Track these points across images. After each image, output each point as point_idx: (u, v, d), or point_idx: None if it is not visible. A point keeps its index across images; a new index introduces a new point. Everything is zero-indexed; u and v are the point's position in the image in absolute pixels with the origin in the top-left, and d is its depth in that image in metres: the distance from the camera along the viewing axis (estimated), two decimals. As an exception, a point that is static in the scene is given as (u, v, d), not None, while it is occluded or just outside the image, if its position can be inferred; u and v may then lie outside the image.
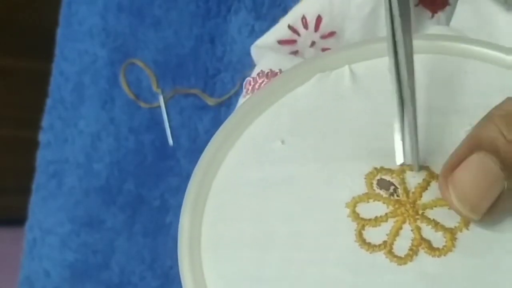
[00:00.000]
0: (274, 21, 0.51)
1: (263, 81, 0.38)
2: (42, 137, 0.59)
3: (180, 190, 0.53)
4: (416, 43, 0.29)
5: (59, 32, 0.59)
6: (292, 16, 0.41)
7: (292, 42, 0.41)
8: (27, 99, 0.78)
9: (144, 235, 0.54)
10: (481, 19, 0.36)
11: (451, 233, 0.27)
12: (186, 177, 0.53)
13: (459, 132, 0.29)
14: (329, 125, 0.31)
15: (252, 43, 0.51)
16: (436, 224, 0.27)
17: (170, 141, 0.54)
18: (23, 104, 0.88)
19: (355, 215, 0.28)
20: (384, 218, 0.28)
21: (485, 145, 0.26)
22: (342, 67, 0.33)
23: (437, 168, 0.28)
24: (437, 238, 0.27)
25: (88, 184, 0.56)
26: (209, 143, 0.31)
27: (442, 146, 0.29)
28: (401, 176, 0.28)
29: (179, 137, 0.54)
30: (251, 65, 0.51)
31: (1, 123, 0.96)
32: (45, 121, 0.59)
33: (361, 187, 0.28)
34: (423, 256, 0.26)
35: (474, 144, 0.27)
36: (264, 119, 0.32)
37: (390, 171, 0.29)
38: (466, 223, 0.27)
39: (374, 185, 0.28)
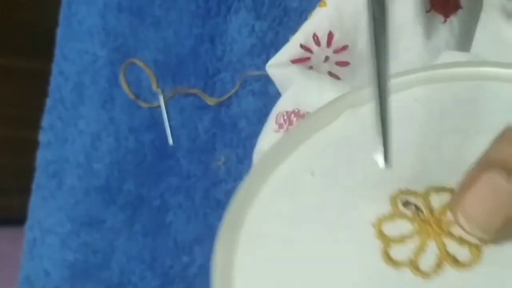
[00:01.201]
0: (274, 21, 0.51)
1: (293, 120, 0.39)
2: (42, 137, 0.59)
3: (180, 189, 0.53)
4: (441, 72, 0.31)
5: (59, 32, 0.59)
6: (303, 35, 0.41)
7: (306, 59, 0.41)
8: (27, 99, 0.78)
9: (144, 235, 0.54)
10: (502, 45, 0.36)
11: (476, 247, 0.27)
12: (186, 177, 0.53)
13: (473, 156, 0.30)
14: (356, 154, 0.31)
15: (252, 42, 0.51)
16: (461, 240, 0.27)
17: (170, 141, 0.54)
18: (23, 104, 0.88)
19: (381, 234, 0.28)
20: (410, 236, 0.28)
21: (496, 163, 0.26)
22: (369, 102, 0.33)
23: None
24: (462, 253, 0.27)
25: (88, 184, 0.56)
26: (245, 178, 0.32)
27: (467, 166, 0.29)
28: (426, 199, 0.29)
29: (179, 137, 0.54)
30: (251, 64, 0.51)
31: (1, 123, 0.96)
32: (45, 121, 0.59)
33: (386, 207, 0.29)
34: (448, 270, 0.27)
35: (486, 163, 0.27)
36: (297, 155, 0.33)
37: (415, 193, 0.29)
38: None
39: (400, 205, 0.29)
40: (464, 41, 0.39)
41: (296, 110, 0.39)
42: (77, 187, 0.57)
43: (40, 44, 0.67)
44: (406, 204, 0.29)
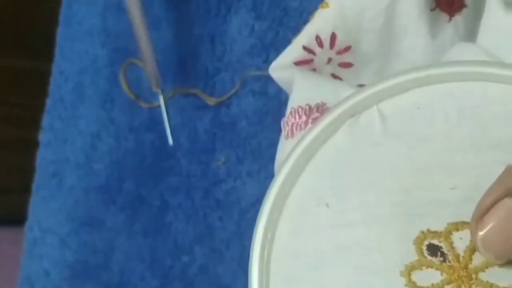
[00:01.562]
0: (274, 21, 0.51)
1: (302, 120, 0.37)
2: (42, 137, 0.59)
3: (180, 190, 0.53)
4: (442, 72, 0.29)
5: (59, 32, 0.59)
6: (306, 37, 0.40)
7: (309, 61, 0.41)
8: (27, 99, 0.78)
9: (144, 235, 0.54)
10: (504, 36, 0.34)
11: None
12: (186, 177, 0.53)
13: (498, 172, 0.28)
14: (368, 179, 0.30)
15: (252, 42, 0.51)
16: (490, 286, 0.27)
17: (170, 141, 0.54)
18: (23, 104, 0.88)
19: (413, 284, 0.28)
20: (440, 285, 0.28)
21: None
22: (370, 108, 0.32)
23: None
24: None
25: (88, 184, 0.56)
26: (260, 214, 0.31)
27: (482, 191, 0.28)
28: (448, 240, 0.28)
29: (179, 136, 0.54)
30: (251, 64, 0.51)
31: (1, 123, 0.96)
32: (45, 121, 0.59)
33: (411, 253, 0.28)
34: None
35: (506, 187, 0.26)
36: (305, 181, 0.31)
37: (437, 234, 0.28)
38: None
39: (425, 251, 0.28)
40: (469, 41, 0.39)
41: (299, 108, 0.38)
42: (77, 187, 0.57)
43: (40, 44, 0.67)
44: (430, 247, 0.28)
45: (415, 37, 0.39)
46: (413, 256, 0.28)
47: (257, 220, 0.31)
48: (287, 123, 0.37)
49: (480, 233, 0.26)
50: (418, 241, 0.29)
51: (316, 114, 0.36)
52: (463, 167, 0.29)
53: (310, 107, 0.37)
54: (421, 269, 0.28)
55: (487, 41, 0.34)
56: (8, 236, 0.78)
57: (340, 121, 0.32)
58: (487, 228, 0.26)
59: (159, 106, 0.54)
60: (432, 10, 0.40)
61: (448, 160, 0.30)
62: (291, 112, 0.37)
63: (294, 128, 0.37)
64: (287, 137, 0.37)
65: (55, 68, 0.59)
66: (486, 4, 0.35)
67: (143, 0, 0.55)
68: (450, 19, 0.39)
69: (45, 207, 0.58)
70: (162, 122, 0.54)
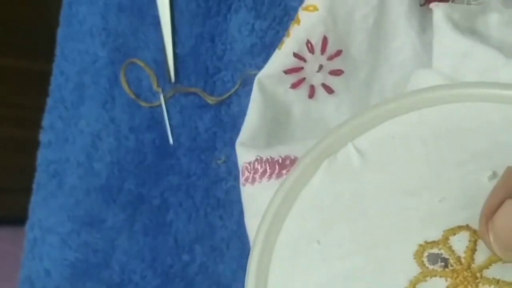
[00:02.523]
0: (274, 20, 0.51)
1: (265, 170, 0.37)
2: (43, 136, 0.59)
3: (180, 189, 0.53)
4: (416, 98, 0.30)
5: (60, 32, 0.59)
6: (297, 43, 0.40)
7: (299, 69, 0.40)
8: (27, 99, 0.78)
9: (145, 234, 0.54)
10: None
11: None
12: (186, 176, 0.53)
13: (482, 179, 0.29)
14: (355, 210, 0.31)
15: (252, 42, 0.52)
16: (497, 282, 0.27)
17: (171, 140, 0.54)
18: (23, 104, 0.88)
19: None
20: None
21: None
22: (345, 146, 0.33)
23: (475, 223, 0.28)
24: None
25: (88, 183, 0.56)
26: (250, 259, 0.31)
27: (470, 198, 0.29)
28: (447, 245, 0.29)
29: (180, 136, 0.54)
30: (251, 64, 0.52)
31: (1, 123, 0.96)
32: (45, 121, 0.59)
33: (413, 268, 0.28)
34: None
35: (508, 188, 0.26)
36: (292, 222, 0.31)
37: (435, 243, 0.29)
38: None
39: (425, 262, 0.28)
40: None
41: (259, 159, 0.38)
42: (78, 186, 0.57)
43: (40, 44, 0.67)
44: (430, 257, 0.29)
45: (405, 33, 0.39)
46: (416, 270, 0.28)
47: (246, 273, 0.30)
48: (248, 169, 0.37)
49: (494, 235, 0.26)
50: (418, 254, 0.29)
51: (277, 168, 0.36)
52: (447, 181, 0.30)
53: (272, 160, 0.37)
54: (426, 281, 0.28)
55: (443, 65, 0.35)
56: (8, 236, 0.79)
57: (317, 163, 0.32)
58: (500, 228, 0.26)
59: (160, 105, 0.54)
60: (421, 5, 0.40)
61: (432, 178, 0.30)
62: (257, 160, 0.37)
63: (256, 176, 0.37)
64: (245, 183, 0.37)
65: (55, 68, 0.59)
66: (434, 28, 0.35)
67: (143, 1, 0.56)
68: None
69: (45, 206, 0.58)
70: (162, 122, 0.54)
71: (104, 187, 0.56)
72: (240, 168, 0.38)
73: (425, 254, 0.29)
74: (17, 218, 0.64)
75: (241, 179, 0.38)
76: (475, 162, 0.30)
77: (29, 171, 0.59)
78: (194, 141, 0.53)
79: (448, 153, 0.31)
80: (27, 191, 0.59)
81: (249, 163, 0.37)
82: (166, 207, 0.54)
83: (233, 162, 0.52)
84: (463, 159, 0.30)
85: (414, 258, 0.29)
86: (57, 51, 0.59)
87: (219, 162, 0.52)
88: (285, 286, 0.30)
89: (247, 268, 0.31)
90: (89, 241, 0.56)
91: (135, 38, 0.56)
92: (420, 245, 0.29)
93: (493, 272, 0.27)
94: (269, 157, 0.37)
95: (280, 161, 0.37)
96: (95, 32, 0.57)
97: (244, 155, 0.38)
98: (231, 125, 0.52)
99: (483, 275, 0.27)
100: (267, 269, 0.30)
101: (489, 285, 0.27)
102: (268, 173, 0.36)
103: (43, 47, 0.62)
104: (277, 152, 0.37)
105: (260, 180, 0.37)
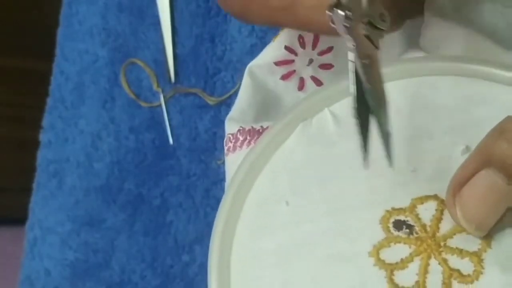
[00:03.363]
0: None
1: (245, 138, 0.37)
2: (43, 136, 0.59)
3: (180, 189, 0.53)
4: (395, 68, 0.30)
5: (60, 32, 0.59)
6: (289, 36, 0.40)
7: (290, 62, 0.41)
8: (27, 99, 0.78)
9: (145, 234, 0.54)
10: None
11: (477, 256, 0.27)
12: (186, 176, 0.53)
13: (455, 153, 0.29)
14: (326, 175, 0.31)
15: (252, 42, 0.52)
16: (460, 252, 0.27)
17: (171, 140, 0.54)
18: (23, 104, 0.88)
19: (381, 262, 0.28)
20: (410, 258, 0.28)
21: (495, 161, 0.26)
22: (321, 111, 0.33)
23: (444, 194, 0.28)
24: (465, 265, 0.27)
25: (88, 183, 0.56)
26: (216, 219, 0.31)
27: (442, 171, 0.29)
28: (414, 213, 0.29)
29: (180, 136, 0.54)
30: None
31: (1, 123, 0.96)
32: (45, 121, 0.59)
33: (378, 233, 0.28)
34: (457, 286, 0.27)
35: (483, 159, 0.27)
36: (262, 182, 0.31)
37: (402, 210, 0.29)
38: (488, 242, 0.27)
39: (391, 228, 0.29)
40: None
41: (241, 129, 0.38)
42: (78, 186, 0.57)
43: (40, 44, 0.67)
44: (396, 223, 0.29)
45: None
46: (381, 236, 0.28)
47: (213, 226, 0.30)
48: (230, 140, 0.37)
49: (460, 207, 0.27)
50: (384, 220, 0.29)
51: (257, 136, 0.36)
52: (420, 152, 0.30)
53: (254, 129, 0.37)
54: (389, 246, 0.28)
55: (429, 47, 0.35)
56: (8, 236, 0.79)
57: (292, 125, 0.32)
58: (467, 201, 0.27)
59: (160, 105, 0.54)
60: None
61: (405, 148, 0.30)
62: (239, 130, 0.37)
63: (237, 145, 0.37)
64: (227, 153, 0.37)
65: (55, 68, 0.59)
66: (426, 14, 0.35)
67: (143, 1, 0.56)
68: None
69: (45, 206, 0.58)
70: (162, 122, 0.54)
71: (104, 187, 0.56)
72: (224, 140, 0.39)
73: (391, 220, 0.29)
74: (17, 218, 0.64)
75: (225, 151, 0.38)
76: (449, 136, 0.30)
77: (29, 171, 0.59)
78: (194, 141, 0.53)
79: (422, 125, 0.31)
80: (27, 191, 0.59)
81: (232, 134, 0.38)
82: (166, 207, 0.54)
83: (233, 162, 0.52)
84: (437, 131, 0.30)
85: (380, 224, 0.29)
86: (57, 51, 0.59)
87: (219, 162, 0.52)
88: (251, 245, 0.30)
89: (214, 223, 0.30)
90: (89, 241, 0.56)
91: (135, 38, 0.56)
92: (387, 211, 0.29)
93: (456, 241, 0.27)
94: (251, 127, 0.37)
95: (260, 130, 0.37)
96: (95, 32, 0.57)
97: (230, 127, 0.38)
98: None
99: (447, 244, 0.28)
100: (234, 227, 0.30)
101: (452, 254, 0.27)
102: (247, 140, 0.37)
103: (43, 47, 0.62)
104: (260, 124, 0.37)
105: (240, 148, 0.37)
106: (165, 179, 0.54)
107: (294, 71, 0.41)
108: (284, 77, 0.41)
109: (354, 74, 0.29)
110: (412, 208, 0.29)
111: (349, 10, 0.27)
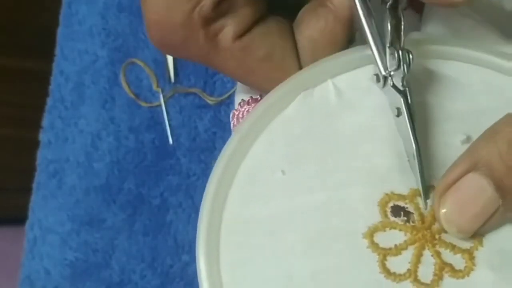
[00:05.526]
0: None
1: (246, 109, 0.37)
2: (43, 136, 0.59)
3: (180, 189, 0.53)
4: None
5: (59, 32, 0.59)
6: None
7: None
8: (27, 99, 0.78)
9: (144, 234, 0.54)
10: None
11: (469, 253, 0.27)
12: (186, 176, 0.53)
13: (455, 142, 0.29)
14: (325, 148, 0.30)
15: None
16: (453, 247, 0.27)
17: (170, 140, 0.54)
18: (23, 104, 0.88)
19: (375, 246, 0.28)
20: (404, 245, 0.28)
21: (482, 164, 0.26)
22: (324, 82, 0.31)
23: None
24: (457, 260, 0.27)
25: (88, 183, 0.56)
26: (208, 184, 0.30)
27: (441, 159, 0.29)
28: (414, 202, 0.28)
29: (179, 136, 0.54)
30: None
31: (1, 123, 0.96)
32: (45, 121, 0.59)
33: (374, 215, 0.28)
34: (448, 279, 0.27)
35: (472, 161, 0.26)
36: (258, 149, 0.30)
37: (402, 196, 0.28)
38: (480, 240, 0.27)
39: (388, 212, 0.28)
40: None
41: (242, 102, 0.37)
42: (78, 186, 0.57)
43: (40, 44, 0.67)
44: (395, 208, 0.28)
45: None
46: (377, 218, 0.28)
47: (205, 190, 0.30)
48: (234, 114, 0.37)
49: (443, 210, 0.27)
50: (383, 203, 0.28)
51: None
52: (419, 137, 0.29)
53: (253, 98, 0.36)
54: (384, 231, 0.28)
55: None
56: (8, 235, 0.79)
57: (293, 94, 0.31)
58: (450, 205, 0.26)
59: (159, 105, 0.54)
60: (404, 9, 0.39)
61: (406, 131, 0.29)
62: (240, 103, 0.36)
63: (242, 116, 0.36)
64: (234, 128, 0.37)
65: (55, 68, 0.59)
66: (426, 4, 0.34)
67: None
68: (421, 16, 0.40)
69: (45, 206, 0.58)
70: (162, 122, 0.54)
71: (104, 187, 0.56)
72: (230, 116, 0.38)
73: (390, 204, 0.28)
74: (17, 218, 0.64)
75: (231, 126, 0.38)
76: (449, 124, 0.30)
77: (29, 171, 0.59)
78: (193, 141, 0.53)
79: (424, 108, 0.30)
80: (27, 191, 0.59)
81: (236, 109, 0.37)
82: (165, 207, 0.54)
83: (232, 162, 0.52)
84: (438, 117, 0.30)
85: (378, 206, 0.28)
86: (57, 51, 0.59)
87: (218, 162, 0.52)
88: (242, 212, 0.29)
89: (205, 188, 0.30)
90: (88, 241, 0.56)
91: (134, 38, 0.56)
92: (386, 194, 0.28)
93: (450, 237, 0.27)
94: (250, 97, 0.36)
95: (259, 99, 0.36)
96: (95, 32, 0.57)
97: (235, 104, 0.38)
98: (231, 125, 0.52)
99: (441, 237, 0.27)
100: (226, 193, 0.29)
101: (445, 248, 0.27)
102: (247, 110, 0.36)
103: (43, 47, 0.62)
104: (260, 93, 0.37)
105: (242, 119, 0.36)
106: (165, 179, 0.54)
107: None
108: None
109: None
110: (413, 196, 0.29)
111: None
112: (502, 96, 0.30)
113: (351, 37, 0.32)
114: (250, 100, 0.37)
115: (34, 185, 0.59)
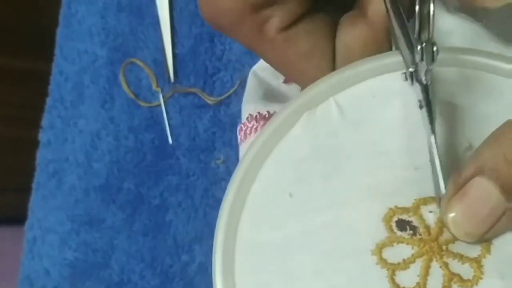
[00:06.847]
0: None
1: (253, 125, 0.37)
2: (42, 136, 0.59)
3: (179, 188, 0.53)
4: (396, 58, 0.29)
5: (59, 31, 0.59)
6: None
7: None
8: (27, 99, 0.78)
9: (144, 234, 0.54)
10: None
11: (477, 261, 0.27)
12: (185, 176, 0.53)
13: (459, 152, 0.29)
14: (330, 167, 0.30)
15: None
16: (461, 257, 0.27)
17: (170, 140, 0.54)
18: (23, 104, 0.88)
19: (383, 262, 0.28)
20: (412, 259, 0.28)
21: (487, 168, 0.26)
22: (326, 100, 0.32)
23: None
24: (465, 270, 0.27)
25: (88, 183, 0.56)
26: (221, 210, 0.30)
27: (447, 170, 0.28)
28: (418, 213, 0.29)
29: (179, 135, 0.54)
30: (250, 64, 0.52)
31: (1, 122, 0.96)
32: (45, 121, 0.59)
33: (381, 232, 0.28)
34: None
35: (478, 166, 0.26)
36: (266, 172, 0.31)
37: (406, 209, 0.29)
38: (487, 248, 0.27)
39: (394, 227, 0.28)
40: None
41: (249, 116, 0.38)
42: (77, 186, 0.57)
43: (39, 44, 0.67)
44: (400, 223, 0.29)
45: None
46: (383, 234, 0.28)
47: (218, 217, 0.30)
48: (241, 129, 0.37)
49: (451, 215, 0.27)
50: (387, 218, 0.29)
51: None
52: (422, 149, 0.29)
53: (260, 115, 0.37)
54: (392, 246, 0.28)
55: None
56: (8, 235, 0.79)
57: (297, 115, 0.32)
58: (458, 209, 0.27)
59: (159, 105, 0.54)
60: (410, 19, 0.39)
61: (409, 141, 0.30)
62: (247, 118, 0.37)
63: (249, 132, 0.37)
64: (241, 142, 0.37)
65: (55, 67, 0.59)
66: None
67: (142, 1, 0.56)
68: None
69: (45, 206, 0.58)
70: (161, 121, 0.54)
71: (104, 186, 0.56)
72: (237, 130, 0.39)
73: (394, 219, 0.29)
74: (17, 218, 0.64)
75: (238, 140, 0.38)
76: (452, 131, 0.30)
77: (28, 171, 0.59)
78: (193, 141, 0.53)
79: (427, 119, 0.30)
80: (26, 190, 0.59)
81: (243, 123, 0.38)
82: (165, 207, 0.54)
83: (232, 162, 0.52)
84: (439, 125, 0.30)
85: (383, 222, 0.29)
86: (57, 50, 0.59)
87: (218, 162, 0.52)
88: (254, 236, 0.29)
89: (219, 214, 0.30)
90: (88, 241, 0.56)
91: (134, 37, 0.56)
92: (390, 209, 0.29)
93: (458, 247, 0.27)
94: (257, 113, 0.37)
95: (267, 116, 0.37)
96: (95, 31, 0.57)
97: (243, 117, 0.38)
98: (230, 125, 0.52)
99: (449, 248, 0.28)
100: (239, 218, 0.30)
101: (453, 259, 0.27)
102: (254, 127, 0.37)
103: (42, 47, 0.62)
104: (266, 108, 0.37)
105: (250, 135, 0.37)
106: (165, 178, 0.54)
107: None
108: (286, 81, 0.41)
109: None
110: (416, 208, 0.29)
111: None
112: (505, 101, 0.30)
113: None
114: (258, 117, 0.37)
115: (34, 185, 0.59)
